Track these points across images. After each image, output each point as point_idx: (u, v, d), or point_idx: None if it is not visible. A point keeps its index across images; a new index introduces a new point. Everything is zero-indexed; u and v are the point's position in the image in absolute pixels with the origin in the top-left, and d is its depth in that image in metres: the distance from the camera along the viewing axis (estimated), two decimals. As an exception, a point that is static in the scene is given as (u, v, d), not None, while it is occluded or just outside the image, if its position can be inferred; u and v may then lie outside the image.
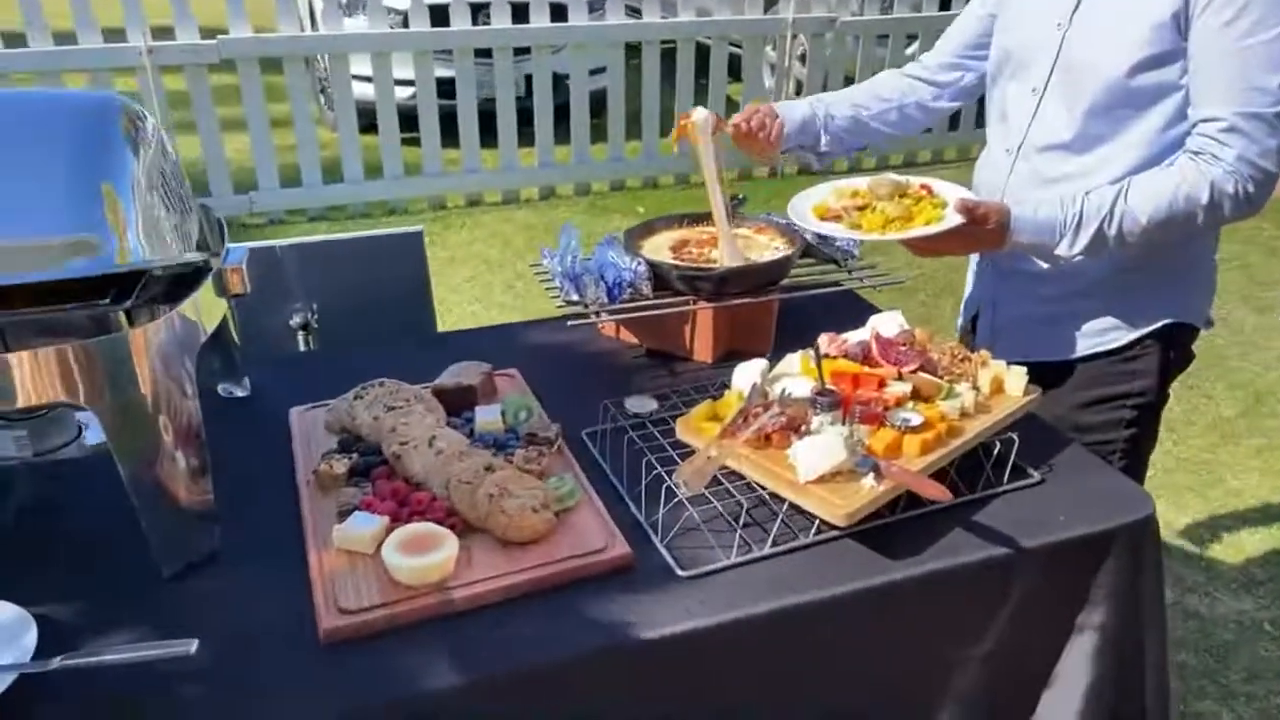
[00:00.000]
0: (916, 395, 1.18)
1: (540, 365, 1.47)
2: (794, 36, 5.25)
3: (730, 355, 1.49)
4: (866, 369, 1.21)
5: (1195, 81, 1.27)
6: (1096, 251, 1.31)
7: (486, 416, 1.25)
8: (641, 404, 1.29)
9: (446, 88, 4.73)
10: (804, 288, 1.56)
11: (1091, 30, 1.34)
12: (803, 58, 5.70)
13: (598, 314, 1.42)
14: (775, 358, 1.30)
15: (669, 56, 5.04)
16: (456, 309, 3.80)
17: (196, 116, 4.33)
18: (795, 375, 1.22)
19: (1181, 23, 1.25)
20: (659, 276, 1.46)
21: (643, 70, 5.04)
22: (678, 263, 1.47)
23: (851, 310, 1.59)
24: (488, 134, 4.83)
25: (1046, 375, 1.41)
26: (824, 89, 5.45)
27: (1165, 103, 1.31)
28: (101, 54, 4.09)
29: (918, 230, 1.33)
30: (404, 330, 1.94)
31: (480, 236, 4.55)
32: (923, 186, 1.44)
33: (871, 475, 1.06)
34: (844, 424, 1.12)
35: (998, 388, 1.25)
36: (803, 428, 1.12)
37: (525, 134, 4.91)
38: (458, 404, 1.29)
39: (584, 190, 5.16)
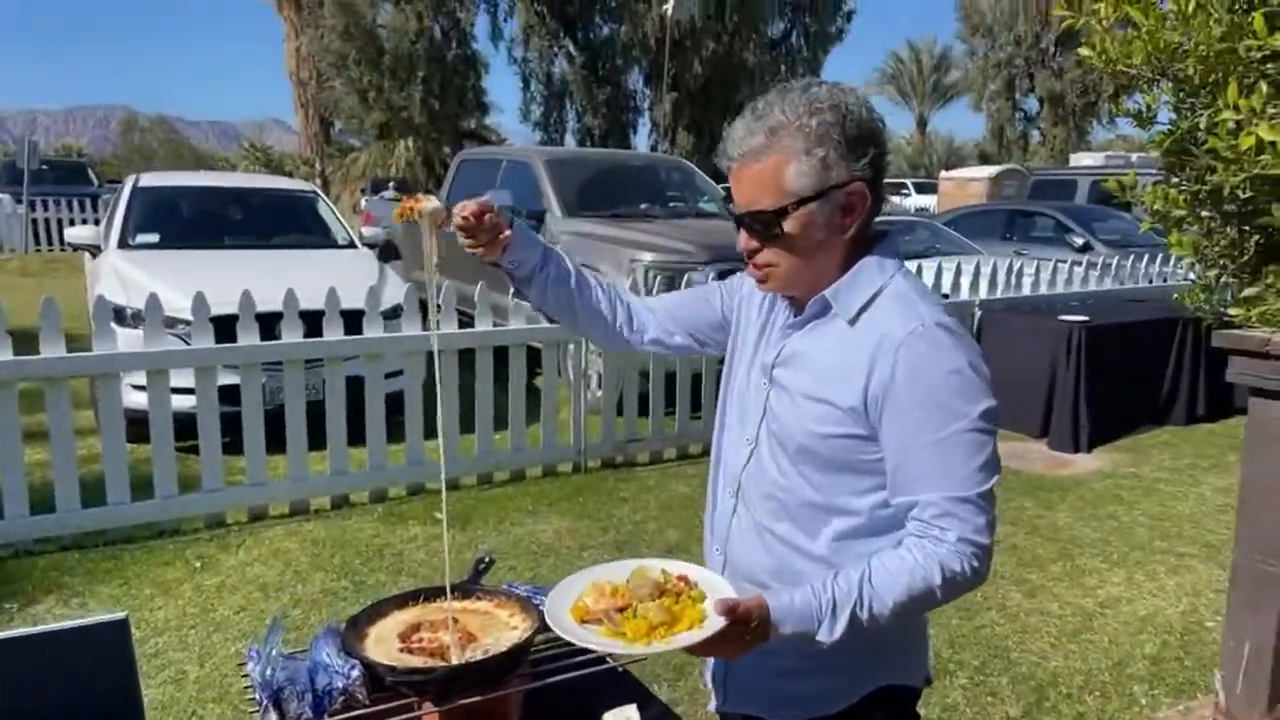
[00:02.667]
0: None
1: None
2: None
3: (466, 757, 1.35)
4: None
5: (895, 467, 1.35)
6: (857, 632, 1.31)
7: None
8: None
9: (231, 393, 4.59)
10: (545, 672, 1.46)
11: (784, 395, 1.43)
12: (599, 353, 5.98)
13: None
14: None
15: (470, 355, 5.14)
16: (221, 649, 3.41)
17: (-67, 441, 3.94)
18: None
19: (863, 414, 1.35)
20: (379, 676, 1.33)
21: (438, 376, 5.09)
22: (394, 664, 1.35)
23: (605, 684, 1.49)
24: (275, 441, 4.65)
25: None
26: (621, 386, 5.71)
27: (856, 476, 1.38)
28: None
29: (682, 637, 1.29)
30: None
31: (259, 556, 4.23)
32: (680, 578, 1.41)
33: None
34: None
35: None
36: None
37: (318, 438, 4.76)
38: None
39: (379, 496, 4.98)
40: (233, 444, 4.62)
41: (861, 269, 1.41)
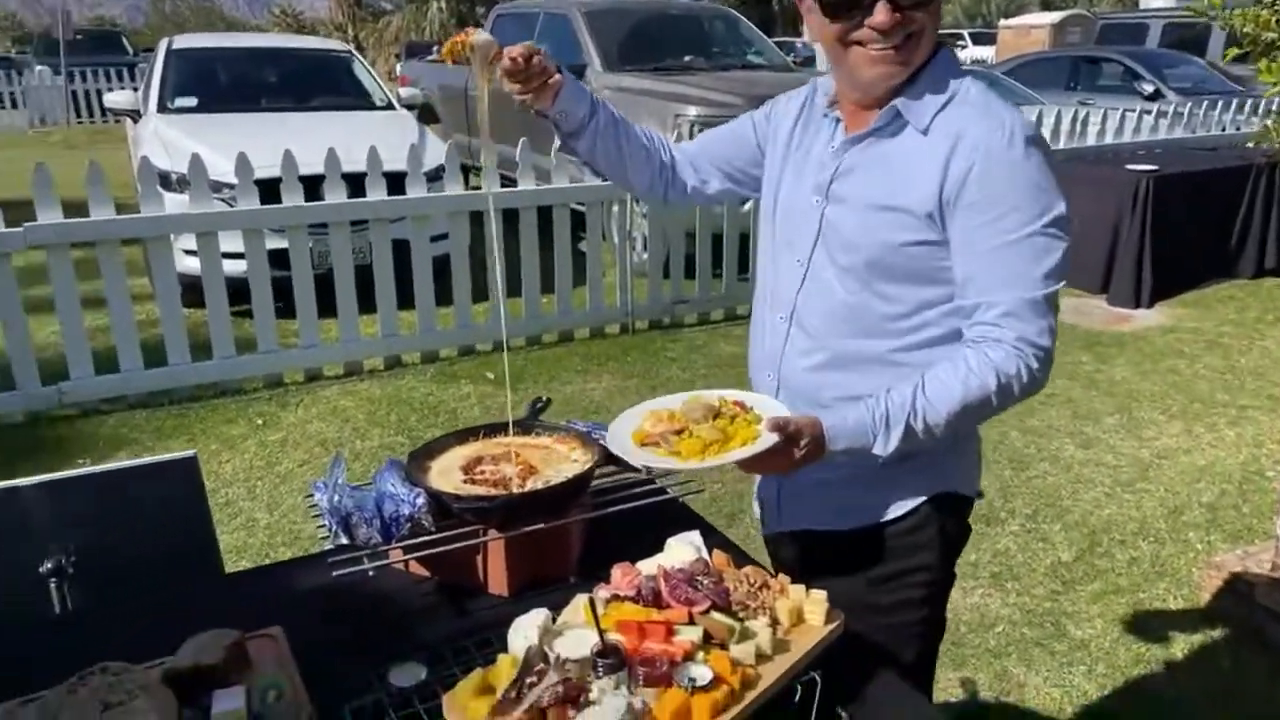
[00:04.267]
0: (709, 641, 1.08)
1: (315, 614, 1.31)
2: (635, 199, 5.41)
3: (533, 584, 1.37)
4: (656, 613, 1.11)
5: (964, 271, 1.31)
6: (911, 444, 1.29)
7: (225, 705, 1.08)
8: (407, 674, 1.13)
9: (281, 258, 4.61)
10: (605, 503, 1.46)
11: (847, 211, 1.37)
12: (645, 214, 5.88)
13: (367, 558, 1.28)
14: (581, 586, 1.19)
15: (513, 217, 5.08)
16: (287, 499, 3.54)
17: (-2, 303, 4.03)
18: (580, 626, 1.11)
19: (938, 218, 1.30)
20: (444, 505, 1.34)
21: (485, 236, 5.06)
22: (459, 493, 1.35)
23: (666, 518, 1.50)
24: (327, 303, 4.69)
25: (837, 550, 1.41)
26: (667, 247, 5.62)
27: (931, 285, 1.34)
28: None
29: (735, 453, 1.28)
30: (182, 573, 1.73)
31: (318, 414, 4.33)
32: (735, 403, 1.39)
33: (653, 757, 0.94)
34: (628, 688, 1.01)
35: (797, 619, 1.16)
36: (582, 698, 1.00)
37: (368, 300, 4.80)
38: (196, 688, 1.11)
39: (431, 358, 5.04)
40: (286, 308, 4.67)
41: (934, 70, 1.34)
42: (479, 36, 1.41)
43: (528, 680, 1.01)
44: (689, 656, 1.05)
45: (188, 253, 4.67)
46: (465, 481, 1.40)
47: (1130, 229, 6.00)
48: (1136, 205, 5.97)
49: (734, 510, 3.33)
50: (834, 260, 1.40)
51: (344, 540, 1.29)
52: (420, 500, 1.31)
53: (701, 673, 1.02)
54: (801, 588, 1.19)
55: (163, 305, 4.37)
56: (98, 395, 4.30)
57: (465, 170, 5.55)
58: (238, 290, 4.56)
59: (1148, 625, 2.80)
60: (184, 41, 7.47)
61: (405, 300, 4.90)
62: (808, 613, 1.17)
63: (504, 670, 1.05)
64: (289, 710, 1.07)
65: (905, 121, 1.34)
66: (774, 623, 1.14)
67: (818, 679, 1.09)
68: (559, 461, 1.48)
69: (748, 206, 5.53)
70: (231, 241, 4.50)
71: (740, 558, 1.36)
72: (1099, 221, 6.09)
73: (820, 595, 1.18)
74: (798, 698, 1.07)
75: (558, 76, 1.46)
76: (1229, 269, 6.54)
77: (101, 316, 4.69)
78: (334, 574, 1.26)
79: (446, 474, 1.43)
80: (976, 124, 1.29)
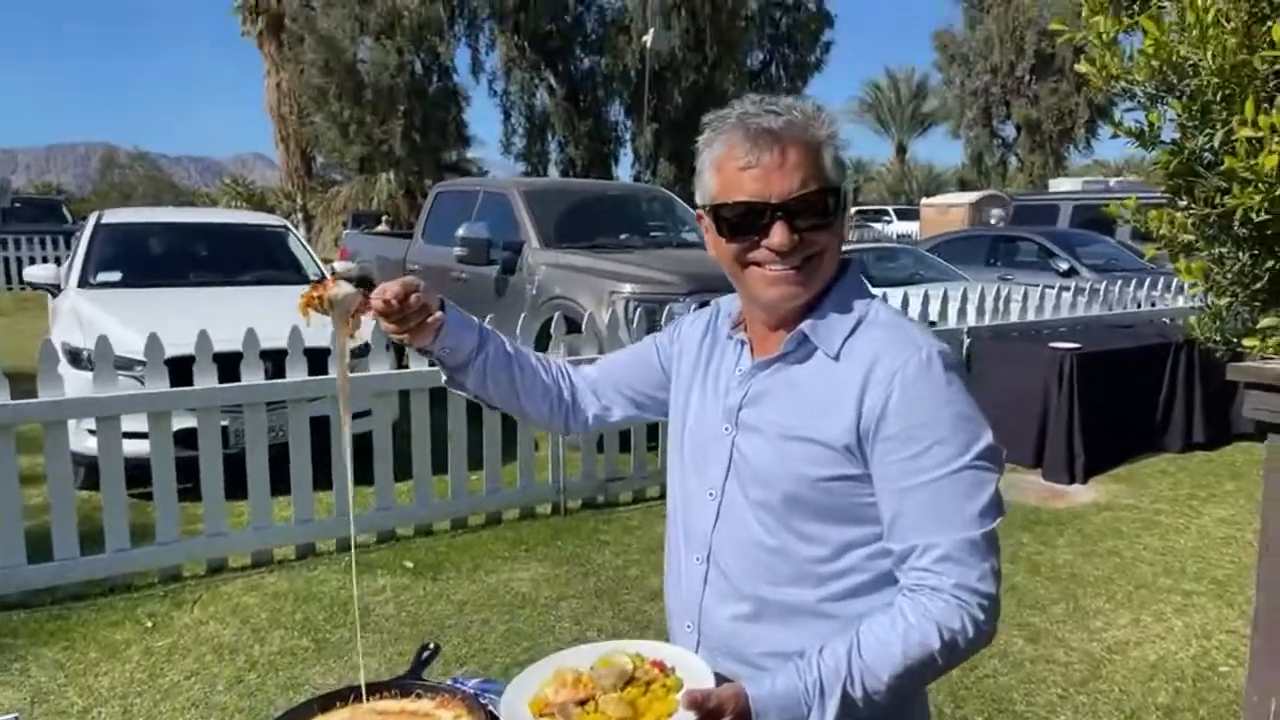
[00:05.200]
0: None
1: None
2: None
3: None
4: None
5: (890, 510, 1.20)
6: (851, 713, 1.14)
7: None
8: None
9: (190, 436, 4.35)
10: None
11: (759, 441, 1.27)
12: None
13: None
14: None
15: (442, 392, 4.92)
16: None
17: None
18: None
19: (856, 452, 1.20)
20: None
21: (412, 414, 4.89)
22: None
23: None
24: (237, 484, 4.41)
25: None
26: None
27: (854, 525, 1.23)
28: None
29: None
30: None
31: (215, 613, 3.97)
32: (654, 664, 1.22)
33: None
34: None
35: None
36: None
37: (281, 481, 4.52)
38: None
39: (347, 545, 4.73)
40: (192, 490, 4.38)
41: (841, 291, 1.28)
42: (339, 290, 1.25)
43: None
44: None
45: (91, 431, 4.40)
46: (322, 768, 1.17)
47: (1059, 404, 6.07)
48: (1063, 382, 6.06)
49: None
50: (747, 494, 1.28)
51: None
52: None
53: None
54: None
55: (54, 494, 4.05)
56: (-32, 595, 3.89)
57: (398, 346, 5.43)
58: (140, 470, 4.27)
59: None
60: (114, 216, 7.39)
61: (322, 482, 4.64)
62: None
63: None
64: None
65: (814, 346, 1.26)
66: None
67: None
68: (439, 734, 1.26)
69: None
70: (137, 420, 4.25)
71: None
72: (1028, 397, 6.16)
73: None
74: None
75: (438, 314, 1.34)
76: (1157, 443, 6.63)
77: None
78: None
79: (300, 759, 1.20)
80: (890, 350, 1.20)
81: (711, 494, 1.31)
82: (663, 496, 5.46)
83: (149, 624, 3.85)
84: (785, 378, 1.27)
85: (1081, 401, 6.03)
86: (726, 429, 1.30)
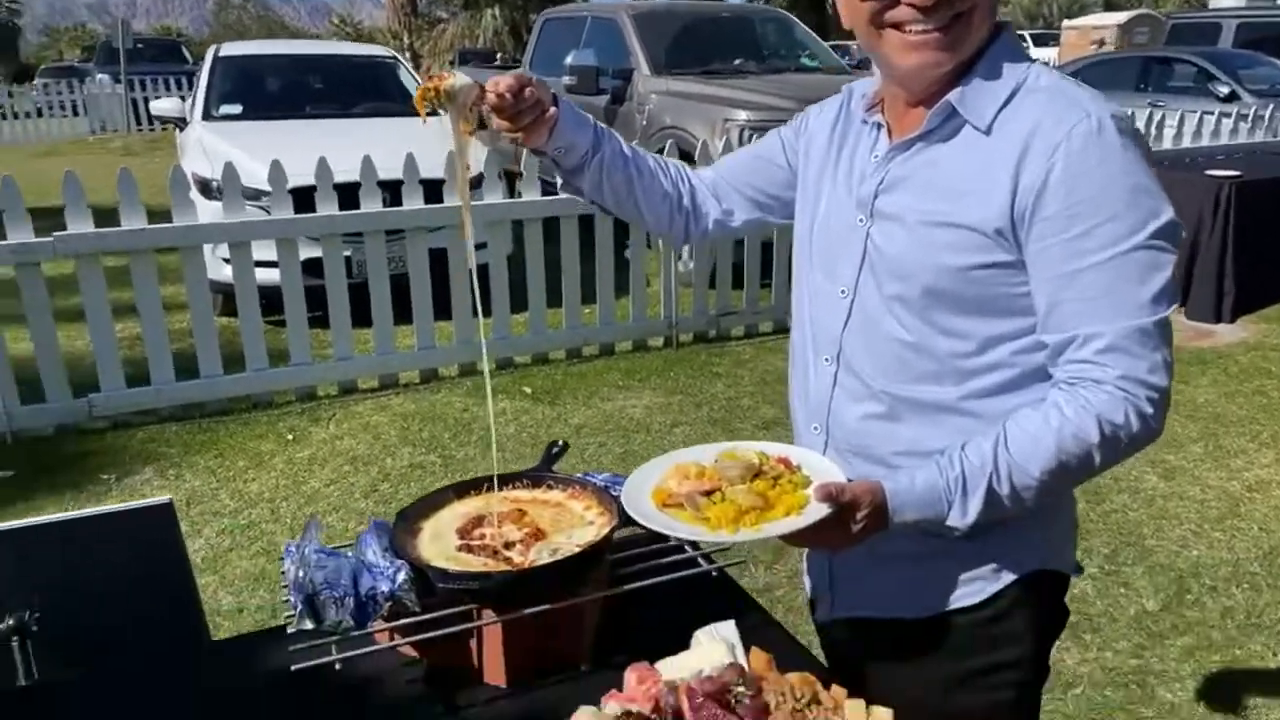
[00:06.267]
0: (742, 780, 0.86)
1: (285, 708, 1.12)
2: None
3: (538, 671, 1.16)
4: (675, 740, 0.89)
5: (1048, 298, 1.07)
6: (995, 513, 1.06)
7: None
8: None
9: (316, 266, 4.48)
10: (626, 576, 1.24)
11: (897, 230, 1.15)
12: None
13: (334, 647, 1.08)
14: (595, 676, 0.98)
15: (554, 225, 4.90)
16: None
17: (28, 312, 3.95)
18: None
19: (1010, 236, 1.07)
20: (430, 580, 1.14)
21: (525, 245, 4.89)
22: (449, 567, 1.15)
23: (700, 596, 1.28)
24: (363, 314, 4.55)
25: (903, 643, 1.19)
26: (714, 256, 5.39)
27: (1004, 317, 1.11)
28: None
29: (777, 525, 1.05)
30: (156, 639, 1.54)
31: (349, 430, 4.18)
32: (780, 460, 1.16)
33: None
34: None
35: (855, 748, 0.94)
36: None
37: (404, 311, 4.65)
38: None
39: (468, 371, 4.87)
40: (320, 319, 4.55)
41: (993, 57, 1.11)
42: (456, 80, 1.17)
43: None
44: (715, 805, 0.83)
45: (225, 260, 4.57)
46: (460, 548, 1.20)
47: (1211, 238, 5.60)
48: (1218, 213, 5.57)
49: (772, 583, 3.08)
50: (883, 289, 1.16)
51: (307, 625, 1.09)
52: (401, 575, 1.10)
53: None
54: (860, 704, 0.96)
55: (195, 316, 4.27)
56: (128, 408, 4.20)
57: (510, 176, 5.38)
58: (272, 300, 4.45)
59: (1246, 686, 2.50)
60: (231, 49, 7.45)
61: (443, 311, 4.74)
62: (868, 738, 0.94)
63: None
64: None
65: (962, 120, 1.10)
66: (825, 752, 0.91)
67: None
68: (572, 523, 1.26)
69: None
70: (266, 250, 4.38)
71: (787, 653, 1.12)
72: (1177, 230, 5.70)
73: (884, 715, 0.95)
74: None
75: (553, 110, 1.24)
76: (1318, 282, 6.09)
77: (134, 326, 4.61)
78: (293, 668, 1.06)
79: (440, 539, 1.22)
80: (1052, 116, 1.04)
81: (843, 292, 1.21)
82: (775, 333, 5.42)
83: (290, 437, 4.10)
84: (928, 158, 1.12)
85: (1237, 235, 5.55)
86: (860, 220, 1.18)
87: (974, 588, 1.17)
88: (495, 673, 1.15)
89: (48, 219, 4.23)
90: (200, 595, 1.68)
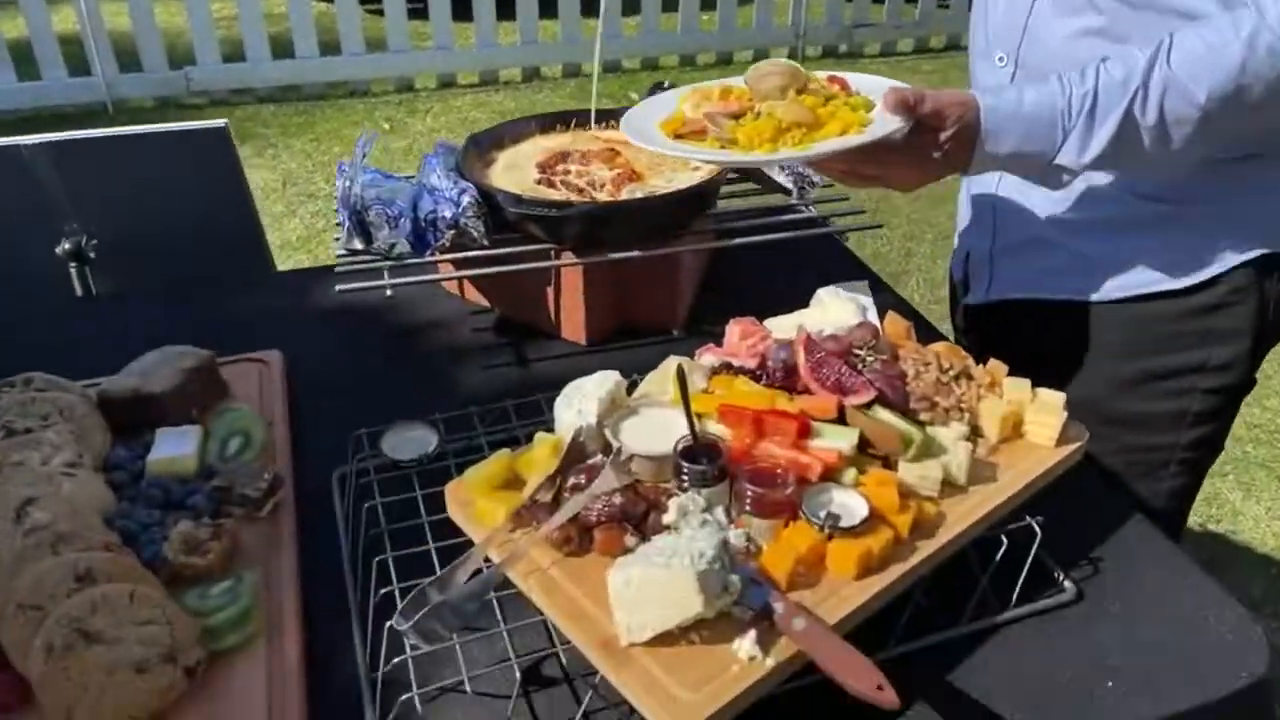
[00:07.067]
0: (865, 451, 0.68)
1: (338, 338, 0.99)
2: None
3: (622, 332, 0.99)
4: (785, 399, 0.71)
5: None
6: (1125, 158, 0.78)
7: (169, 449, 0.77)
8: (412, 442, 0.77)
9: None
10: (732, 230, 1.03)
11: None
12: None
13: (388, 272, 0.92)
14: (687, 343, 0.82)
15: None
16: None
17: (124, -23, 3.76)
18: (664, 405, 0.72)
19: None
20: (501, 210, 0.94)
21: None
22: (521, 192, 0.95)
23: (814, 259, 1.08)
24: (463, 9, 4.21)
25: (1076, 333, 0.95)
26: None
27: None
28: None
29: (830, 143, 0.78)
30: (224, 261, 1.44)
31: (447, 124, 3.98)
32: (832, 79, 0.88)
33: (752, 635, 0.57)
34: (726, 514, 0.63)
35: (1013, 431, 0.74)
36: (650, 519, 0.63)
37: (507, 6, 4.28)
38: (136, 421, 0.81)
39: (572, 71, 4.53)
40: (421, 11, 4.22)
41: None
42: None
43: (571, 479, 0.65)
44: (831, 475, 0.65)
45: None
46: (540, 182, 1.00)
47: None
48: None
49: (900, 270, 2.83)
50: None
51: (356, 244, 0.92)
52: (467, 199, 0.91)
53: (850, 505, 0.63)
54: (1025, 383, 0.75)
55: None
56: (225, 84, 4.08)
57: None
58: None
59: None
60: None
61: (547, 10, 4.33)
62: (1031, 423, 0.74)
63: (541, 457, 0.69)
64: (249, 471, 0.76)
65: None
66: (975, 434, 0.72)
67: (1037, 528, 0.68)
68: (674, 168, 1.04)
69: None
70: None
71: (927, 330, 0.92)
72: None
73: (1054, 399, 0.74)
74: (1000, 554, 0.66)
75: None
76: None
77: (230, 6, 4.38)
78: (338, 288, 0.91)
79: (516, 170, 1.02)
80: None
81: None
82: (916, 52, 4.84)
83: (386, 127, 3.93)
84: None
85: None
86: None
87: (1183, 269, 0.90)
88: (574, 328, 0.98)
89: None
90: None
